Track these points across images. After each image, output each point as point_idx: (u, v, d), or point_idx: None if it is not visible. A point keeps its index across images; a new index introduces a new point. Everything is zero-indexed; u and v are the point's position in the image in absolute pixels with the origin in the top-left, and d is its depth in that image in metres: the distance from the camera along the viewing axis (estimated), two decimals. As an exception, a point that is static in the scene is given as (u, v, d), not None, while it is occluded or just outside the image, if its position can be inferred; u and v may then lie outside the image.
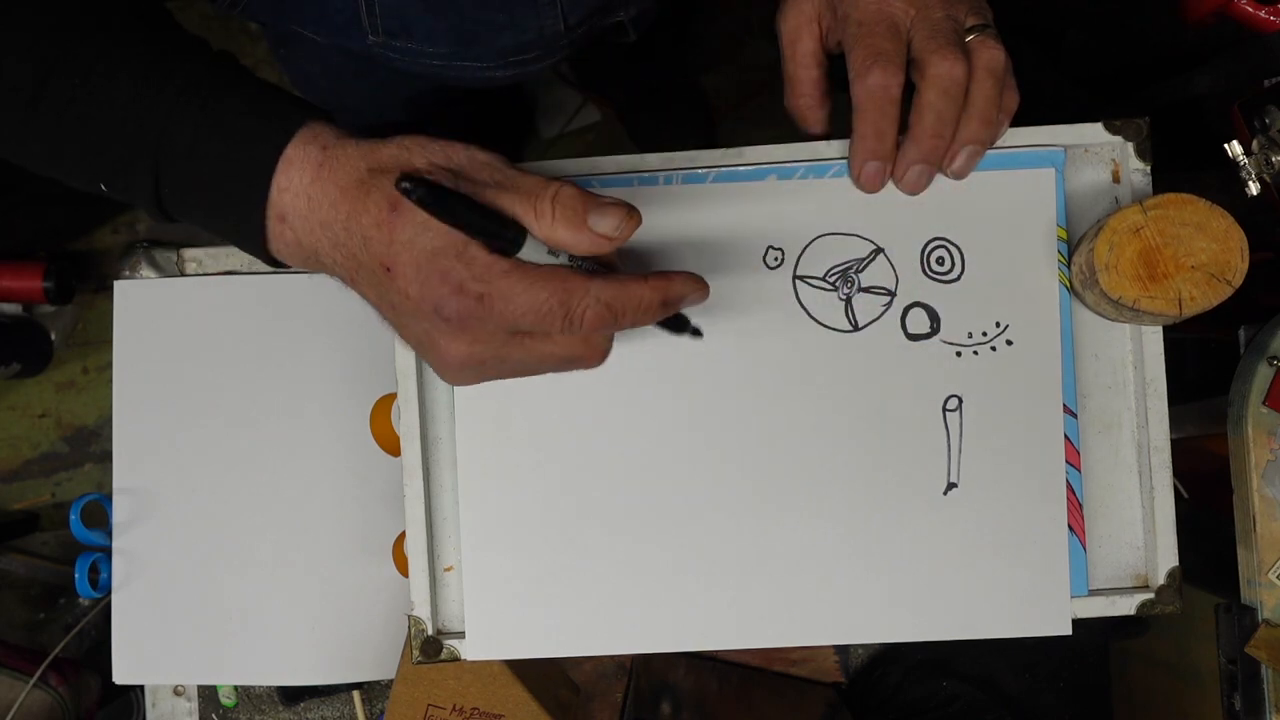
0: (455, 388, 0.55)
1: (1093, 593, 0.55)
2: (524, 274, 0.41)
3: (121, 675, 0.72)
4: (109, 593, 0.72)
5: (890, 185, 0.54)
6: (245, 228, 0.44)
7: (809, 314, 0.55)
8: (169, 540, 0.72)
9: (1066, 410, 0.55)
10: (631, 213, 0.43)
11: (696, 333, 0.50)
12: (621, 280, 0.43)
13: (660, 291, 0.44)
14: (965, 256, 0.55)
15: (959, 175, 0.53)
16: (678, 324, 0.49)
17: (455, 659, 0.56)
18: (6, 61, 0.42)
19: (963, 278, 0.55)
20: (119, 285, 0.74)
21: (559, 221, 0.41)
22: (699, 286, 0.46)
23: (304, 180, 0.42)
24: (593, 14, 0.66)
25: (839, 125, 0.55)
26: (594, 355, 0.45)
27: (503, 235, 0.41)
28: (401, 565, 0.71)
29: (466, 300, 0.41)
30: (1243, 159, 0.60)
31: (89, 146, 0.43)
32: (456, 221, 0.40)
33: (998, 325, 0.55)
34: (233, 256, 0.76)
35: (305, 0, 0.63)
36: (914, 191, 0.53)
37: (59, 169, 0.46)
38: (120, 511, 0.73)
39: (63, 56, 0.42)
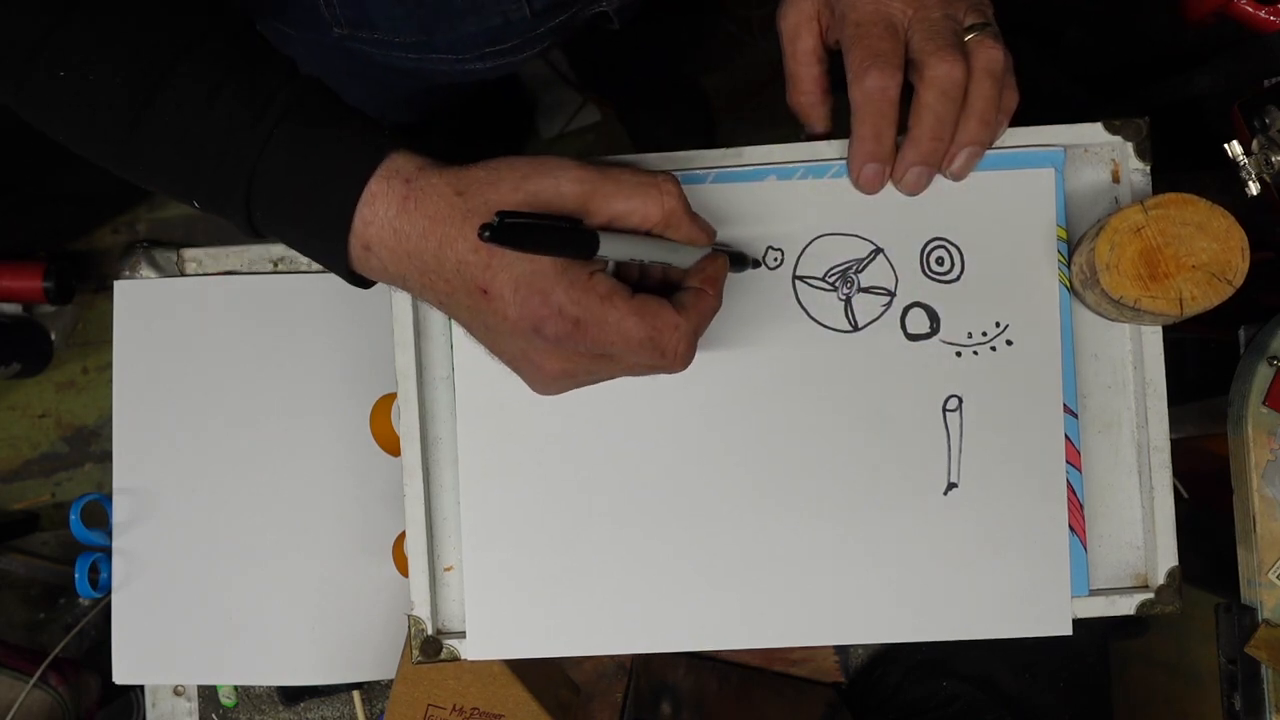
0: (457, 388, 0.56)
1: (1093, 593, 0.55)
2: (617, 304, 0.44)
3: (121, 675, 0.72)
4: (109, 593, 0.72)
5: (890, 186, 0.54)
6: (331, 255, 0.45)
7: (809, 314, 0.55)
8: (169, 540, 0.72)
9: (1067, 410, 0.55)
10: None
11: (757, 264, 0.55)
12: (698, 304, 0.46)
13: (719, 290, 0.48)
14: (965, 256, 0.55)
15: (958, 176, 0.53)
16: (741, 265, 0.53)
17: (455, 659, 0.56)
18: (107, 79, 0.43)
19: (962, 278, 0.55)
20: (119, 285, 0.74)
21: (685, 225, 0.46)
22: (725, 260, 0.50)
23: (389, 214, 0.43)
24: (564, 1, 0.65)
25: (839, 125, 0.55)
26: (679, 365, 0.46)
27: (584, 247, 0.43)
28: (401, 565, 0.71)
29: (565, 323, 0.43)
30: (1243, 159, 0.60)
31: (187, 169, 0.44)
32: (541, 249, 0.42)
33: (998, 325, 0.55)
34: (232, 256, 0.76)
35: None
36: (913, 192, 0.53)
37: (153, 184, 0.47)
38: (120, 511, 0.73)
39: (162, 75, 0.43)
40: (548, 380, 0.46)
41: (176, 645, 0.72)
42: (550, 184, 0.43)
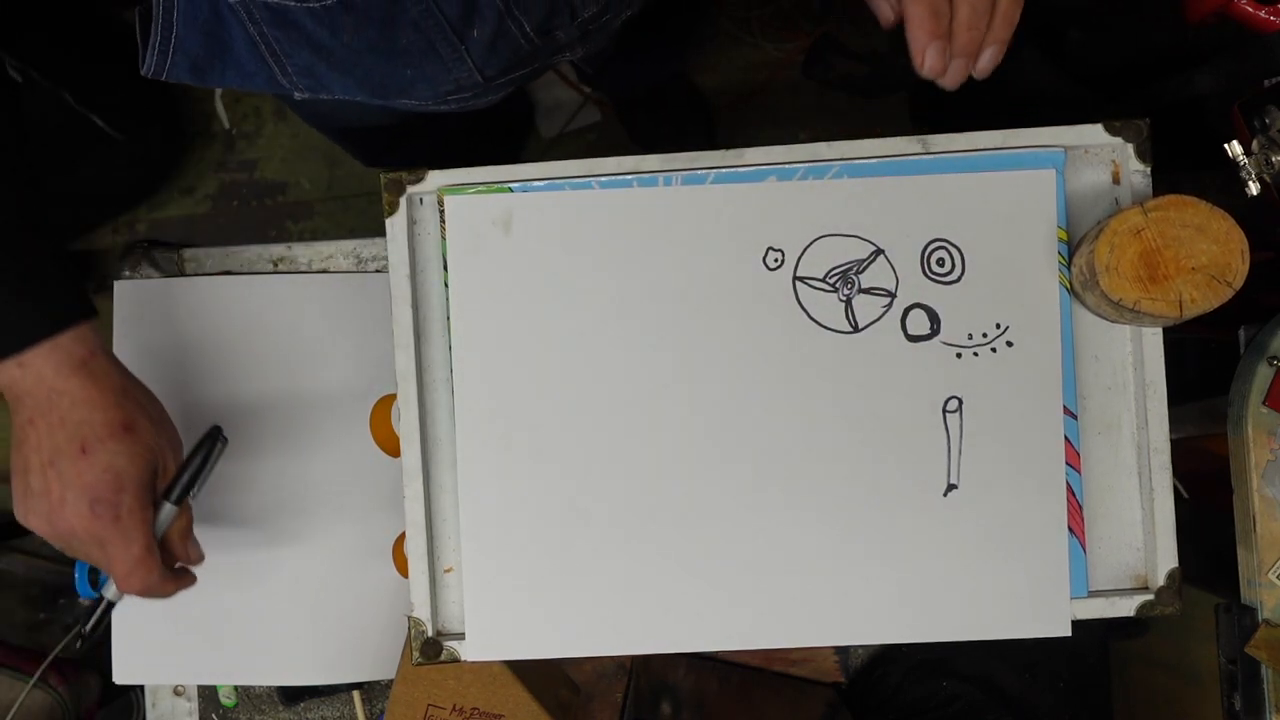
0: (456, 391, 0.56)
1: (1092, 594, 0.55)
2: (140, 534, 0.55)
3: (121, 675, 0.72)
4: (109, 593, 0.72)
5: (884, 189, 0.53)
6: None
7: (809, 315, 0.55)
8: (169, 541, 0.72)
9: (1066, 411, 0.55)
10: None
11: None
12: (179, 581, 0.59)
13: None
14: (965, 257, 0.55)
15: (982, 74, 0.52)
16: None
17: (455, 660, 0.56)
18: None
19: (963, 279, 0.55)
20: (119, 285, 0.74)
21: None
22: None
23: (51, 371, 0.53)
24: (516, 64, 0.65)
25: (840, 123, 0.55)
26: (124, 586, 0.56)
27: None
28: (402, 566, 0.71)
29: (105, 515, 0.53)
30: (1243, 159, 0.60)
31: None
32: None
33: (998, 326, 0.55)
34: (232, 256, 0.76)
35: (225, 66, 0.63)
36: (953, 86, 0.52)
37: None
38: (120, 512, 0.72)
39: None
40: (37, 515, 0.54)
41: (176, 645, 0.72)
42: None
